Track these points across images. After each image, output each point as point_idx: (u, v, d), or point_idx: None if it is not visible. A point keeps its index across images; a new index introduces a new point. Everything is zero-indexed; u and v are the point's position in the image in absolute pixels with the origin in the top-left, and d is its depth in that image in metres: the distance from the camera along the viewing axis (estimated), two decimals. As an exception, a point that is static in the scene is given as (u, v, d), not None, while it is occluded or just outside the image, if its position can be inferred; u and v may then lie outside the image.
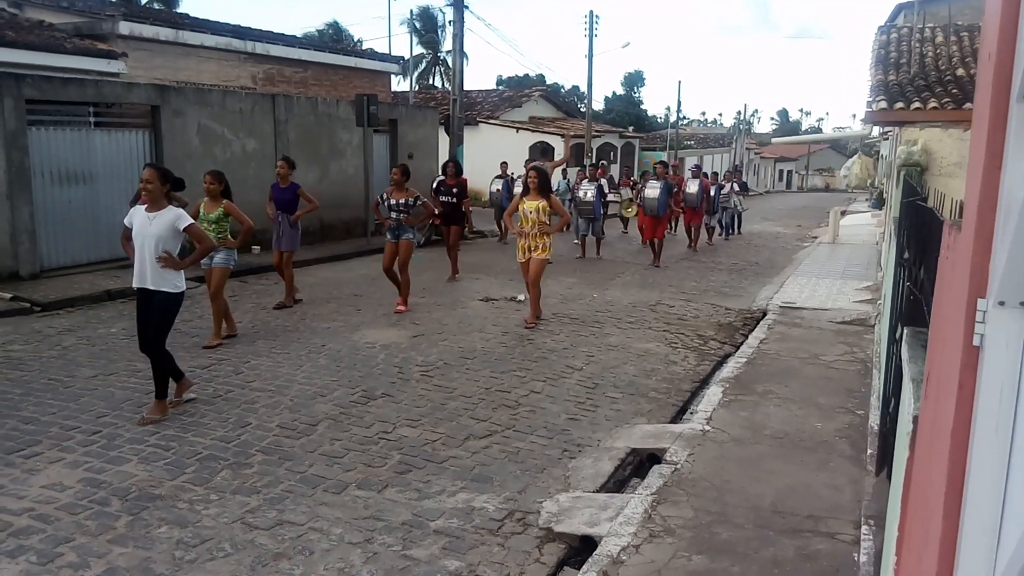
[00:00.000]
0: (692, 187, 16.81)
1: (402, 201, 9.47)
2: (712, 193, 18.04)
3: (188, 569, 3.70)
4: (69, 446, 5.12)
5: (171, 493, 4.49)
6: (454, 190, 12.22)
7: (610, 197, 18.38)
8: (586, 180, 15.82)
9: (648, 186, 14.54)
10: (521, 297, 10.67)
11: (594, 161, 27.24)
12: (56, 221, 11.17)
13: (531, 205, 8.93)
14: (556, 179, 20.99)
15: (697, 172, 18.04)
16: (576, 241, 15.76)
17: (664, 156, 38.73)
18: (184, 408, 5.91)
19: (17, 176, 10.55)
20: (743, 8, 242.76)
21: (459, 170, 12.42)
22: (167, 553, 3.83)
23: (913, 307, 3.35)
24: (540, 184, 9.01)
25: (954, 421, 1.46)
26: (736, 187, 20.54)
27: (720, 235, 19.78)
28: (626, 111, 59.72)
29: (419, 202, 9.54)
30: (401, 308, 9.61)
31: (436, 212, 10.82)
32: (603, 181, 16.78)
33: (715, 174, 21.01)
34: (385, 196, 9.60)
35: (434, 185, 13.49)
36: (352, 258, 14.26)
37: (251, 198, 13.83)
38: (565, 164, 15.34)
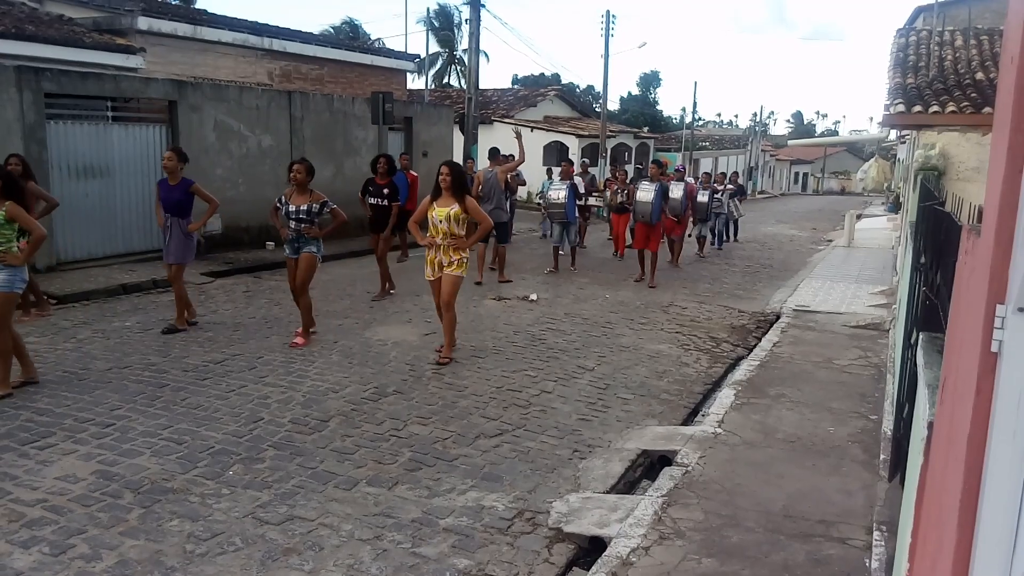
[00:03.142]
0: (676, 192, 13.94)
1: (303, 207, 7.66)
2: (705, 199, 15.80)
3: (199, 563, 3.72)
4: (83, 438, 5.16)
5: (183, 487, 4.52)
6: (384, 191, 10.31)
7: (591, 200, 16.79)
8: (557, 179, 13.70)
9: (640, 188, 12.33)
10: (533, 296, 10.66)
11: (578, 160, 26.67)
12: (73, 215, 11.25)
13: (440, 211, 7.18)
14: (541, 179, 19.73)
15: (681, 175, 15.30)
16: (555, 247, 13.71)
17: (679, 157, 38.67)
18: (198, 402, 5.94)
19: (35, 169, 10.57)
20: (758, 8, 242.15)
21: (392, 167, 10.67)
22: (178, 546, 3.86)
23: (929, 312, 3.33)
24: (453, 183, 7.20)
25: (971, 428, 1.45)
26: (731, 187, 18.86)
27: (713, 244, 17.40)
28: (641, 111, 59.58)
29: (326, 209, 7.80)
30: (299, 341, 7.73)
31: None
32: (577, 180, 14.70)
33: (707, 175, 18.78)
34: (283, 200, 7.81)
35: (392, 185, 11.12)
36: (366, 255, 14.27)
37: (267, 195, 13.86)
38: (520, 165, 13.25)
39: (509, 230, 13.18)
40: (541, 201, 18.88)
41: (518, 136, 12.29)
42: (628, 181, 15.82)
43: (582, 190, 15.42)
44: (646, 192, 12.10)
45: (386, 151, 16.32)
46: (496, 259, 12.12)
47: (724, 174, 20.23)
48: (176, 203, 7.99)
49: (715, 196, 16.81)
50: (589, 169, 18.87)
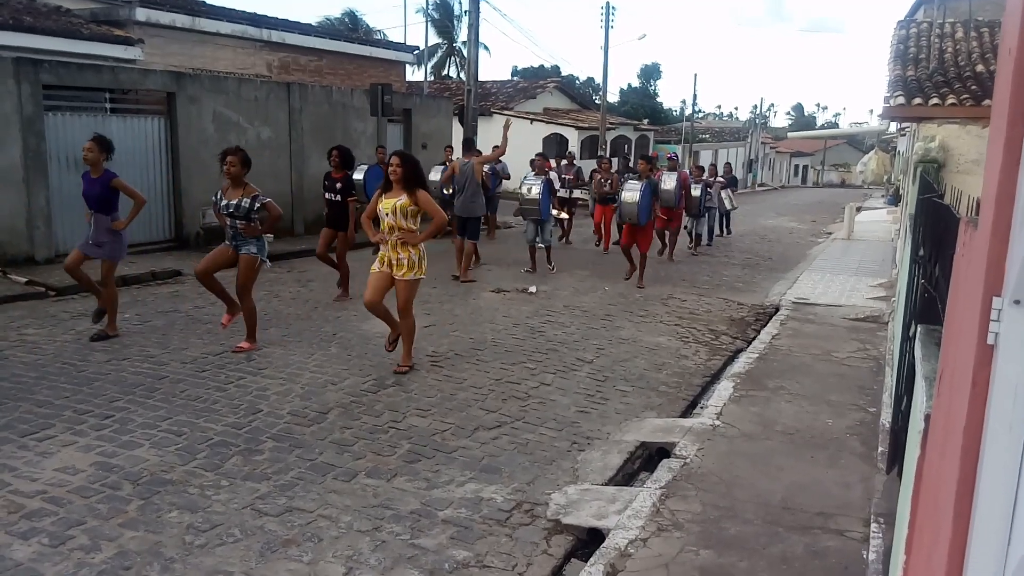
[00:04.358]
0: (669, 183, 13.46)
1: (233, 203, 7.01)
2: (698, 192, 14.92)
3: (198, 554, 3.73)
4: (82, 430, 5.16)
5: (182, 478, 4.52)
6: (338, 185, 9.45)
7: (578, 193, 16.15)
8: (532, 173, 12.64)
9: (627, 188, 11.37)
10: (533, 289, 10.65)
11: (597, 153, 25.97)
12: (71, 206, 11.20)
13: (388, 204, 6.51)
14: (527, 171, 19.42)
15: (675, 164, 14.64)
16: (531, 246, 12.66)
17: (679, 149, 38.60)
18: (197, 394, 5.95)
19: (33, 161, 10.63)
20: (757, 0, 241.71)
21: (346, 160, 9.58)
22: (177, 537, 3.86)
23: (927, 305, 3.33)
24: (405, 175, 6.52)
25: (967, 420, 1.45)
26: (721, 180, 17.80)
27: (705, 243, 16.35)
28: (641, 103, 59.44)
29: (259, 204, 7.06)
30: (244, 346, 7.24)
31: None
32: (553, 175, 13.97)
33: (699, 167, 17.30)
34: (219, 195, 7.19)
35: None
36: (364, 248, 14.28)
37: (265, 186, 13.66)
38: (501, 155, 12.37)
39: (481, 226, 12.32)
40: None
41: (506, 126, 11.68)
42: (612, 171, 15.28)
43: (558, 185, 14.66)
44: (632, 192, 11.19)
45: (384, 143, 16.33)
46: (465, 256, 11.36)
47: (715, 166, 19.03)
48: (97, 198, 7.32)
49: (707, 190, 15.79)
50: (575, 161, 17.80)
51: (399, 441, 5.21)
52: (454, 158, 14.12)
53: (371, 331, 8.11)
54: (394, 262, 6.58)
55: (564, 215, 15.07)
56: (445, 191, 13.68)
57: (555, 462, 5.00)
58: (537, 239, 12.09)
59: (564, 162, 17.01)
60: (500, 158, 14.18)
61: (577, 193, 16.35)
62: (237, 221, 7.04)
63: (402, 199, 6.48)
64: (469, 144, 12.16)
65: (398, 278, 6.58)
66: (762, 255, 16.06)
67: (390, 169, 6.60)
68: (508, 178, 16.33)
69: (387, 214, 6.50)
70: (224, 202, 7.06)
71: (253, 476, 4.59)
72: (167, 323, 8.21)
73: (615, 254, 14.63)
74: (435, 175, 14.22)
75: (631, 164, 13.62)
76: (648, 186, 11.28)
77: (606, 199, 14.51)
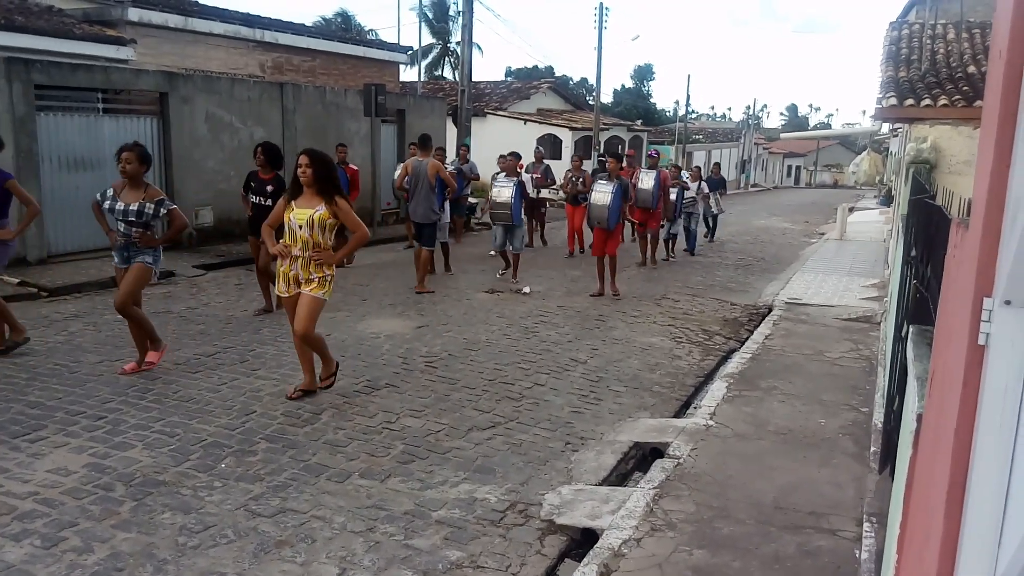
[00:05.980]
0: (646, 182, 12.64)
1: (133, 207, 6.12)
2: (673, 196, 13.92)
3: (191, 555, 3.72)
4: (74, 431, 5.14)
5: (175, 479, 4.51)
6: (268, 188, 8.34)
7: (546, 193, 15.39)
8: (502, 175, 11.52)
9: (596, 188, 10.42)
10: (527, 289, 10.65)
11: (602, 153, 26.07)
12: (64, 207, 11.20)
13: (300, 214, 5.61)
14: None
15: (654, 162, 13.49)
16: (492, 252, 12.32)
17: (671, 149, 38.69)
18: (190, 395, 5.93)
19: (25, 161, 10.59)
20: (751, 0, 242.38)
21: (272, 159, 8.38)
22: (170, 539, 3.85)
23: (919, 305, 3.34)
24: (316, 179, 5.63)
25: (958, 420, 1.46)
26: (706, 188, 16.61)
27: (685, 249, 15.52)
28: (635, 104, 59.63)
29: (163, 210, 6.22)
30: (152, 359, 6.48)
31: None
32: (526, 177, 13.23)
33: (676, 167, 16.09)
34: (111, 195, 6.26)
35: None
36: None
37: (258, 186, 13.85)
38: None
39: (440, 232, 11.16)
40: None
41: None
42: (583, 168, 14.65)
43: (531, 187, 13.87)
44: (602, 193, 10.19)
45: (378, 144, 16.31)
46: (421, 264, 10.48)
47: (699, 168, 17.82)
48: None
49: (685, 195, 14.82)
50: (544, 160, 16.21)
51: (393, 442, 5.21)
52: (471, 157, 13.86)
53: (365, 331, 8.10)
54: (302, 279, 5.75)
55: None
56: (396, 194, 13.57)
57: (549, 462, 5.01)
58: (508, 246, 11.28)
59: (532, 160, 15.68)
60: (467, 158, 14.73)
61: (546, 193, 15.49)
62: (133, 228, 6.18)
63: (320, 210, 5.63)
64: (425, 141, 10.97)
65: (305, 292, 5.74)
66: (755, 256, 16.09)
67: (299, 171, 5.64)
68: (477, 178, 15.76)
69: (300, 226, 5.62)
70: (120, 205, 6.15)
71: (246, 477, 4.58)
72: (160, 324, 8.14)
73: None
74: (397, 172, 13.34)
75: (622, 164, 12.51)
76: (619, 186, 10.28)
77: (577, 199, 13.87)
